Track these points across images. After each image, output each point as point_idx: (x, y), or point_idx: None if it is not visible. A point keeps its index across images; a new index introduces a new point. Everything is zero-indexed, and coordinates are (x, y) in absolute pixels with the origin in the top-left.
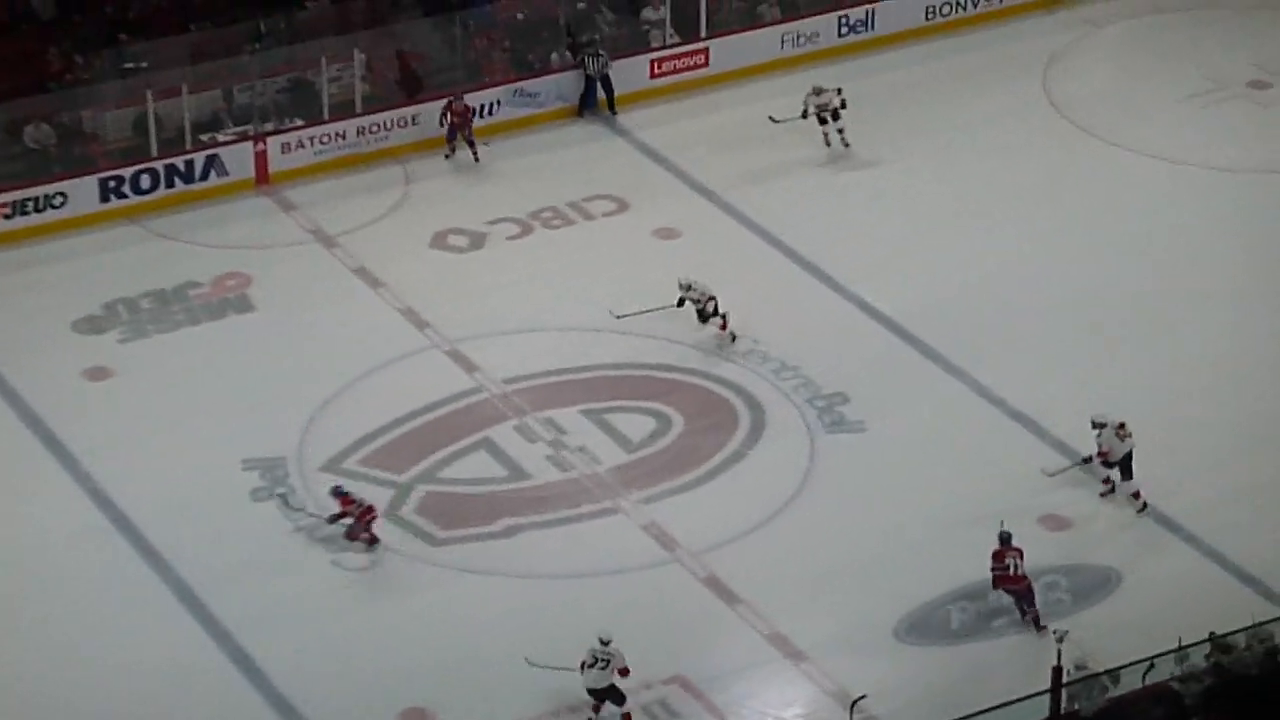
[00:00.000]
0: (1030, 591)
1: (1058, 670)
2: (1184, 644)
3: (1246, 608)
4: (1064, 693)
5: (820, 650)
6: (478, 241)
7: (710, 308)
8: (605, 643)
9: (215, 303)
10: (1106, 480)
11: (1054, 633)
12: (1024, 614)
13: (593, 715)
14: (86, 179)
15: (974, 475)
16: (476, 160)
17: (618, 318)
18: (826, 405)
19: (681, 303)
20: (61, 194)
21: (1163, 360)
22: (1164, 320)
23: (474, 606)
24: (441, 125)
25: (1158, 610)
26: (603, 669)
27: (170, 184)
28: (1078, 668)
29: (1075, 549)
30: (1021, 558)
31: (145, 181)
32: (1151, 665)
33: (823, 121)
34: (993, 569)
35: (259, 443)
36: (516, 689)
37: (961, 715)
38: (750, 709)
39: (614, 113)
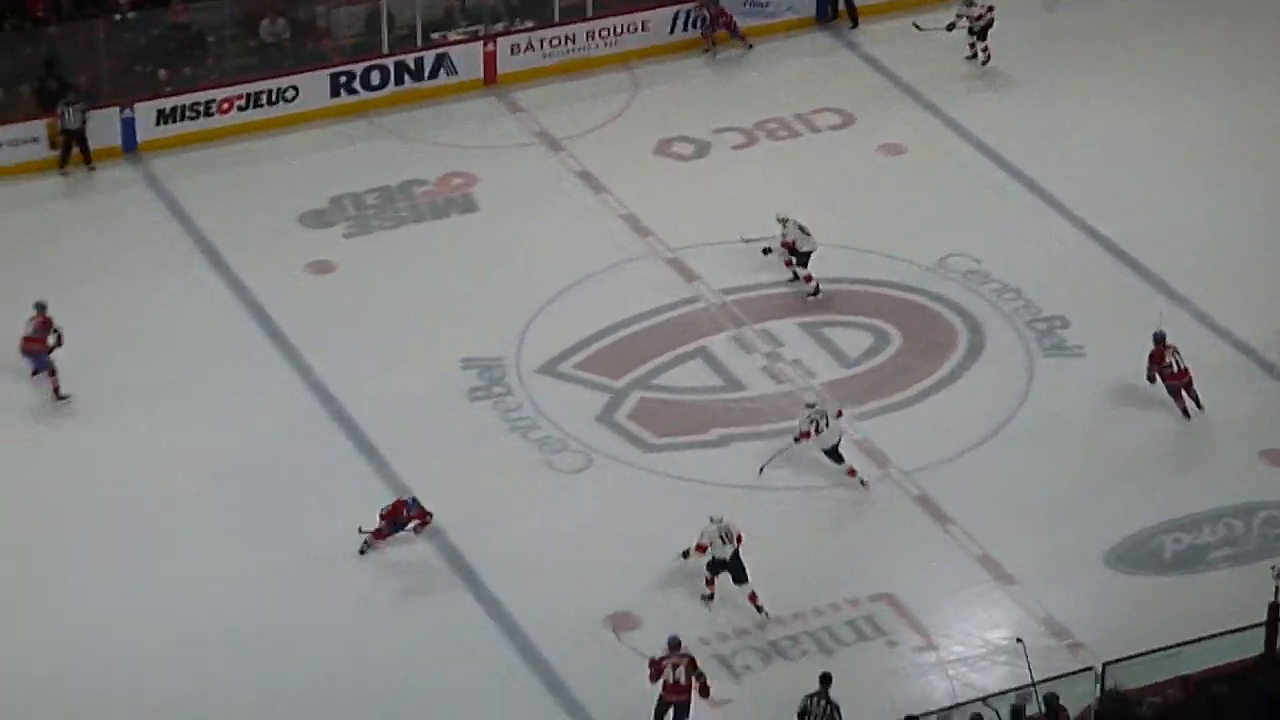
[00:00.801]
0: (1191, 382)
1: (1274, 607)
2: None
3: None
4: None
5: (1029, 575)
6: (702, 150)
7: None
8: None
9: (440, 201)
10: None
11: (1273, 568)
12: (1187, 404)
13: (707, 591)
14: (318, 74)
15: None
16: (749, 47)
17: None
18: (1046, 329)
19: (767, 251)
20: (294, 88)
21: None
22: None
23: (685, 514)
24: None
25: None
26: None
27: (400, 81)
28: None
29: None
30: (1179, 354)
31: (375, 78)
32: None
33: (972, 33)
34: (1153, 369)
35: (478, 343)
36: (721, 599)
37: (1171, 644)
38: (958, 630)
39: (855, 25)
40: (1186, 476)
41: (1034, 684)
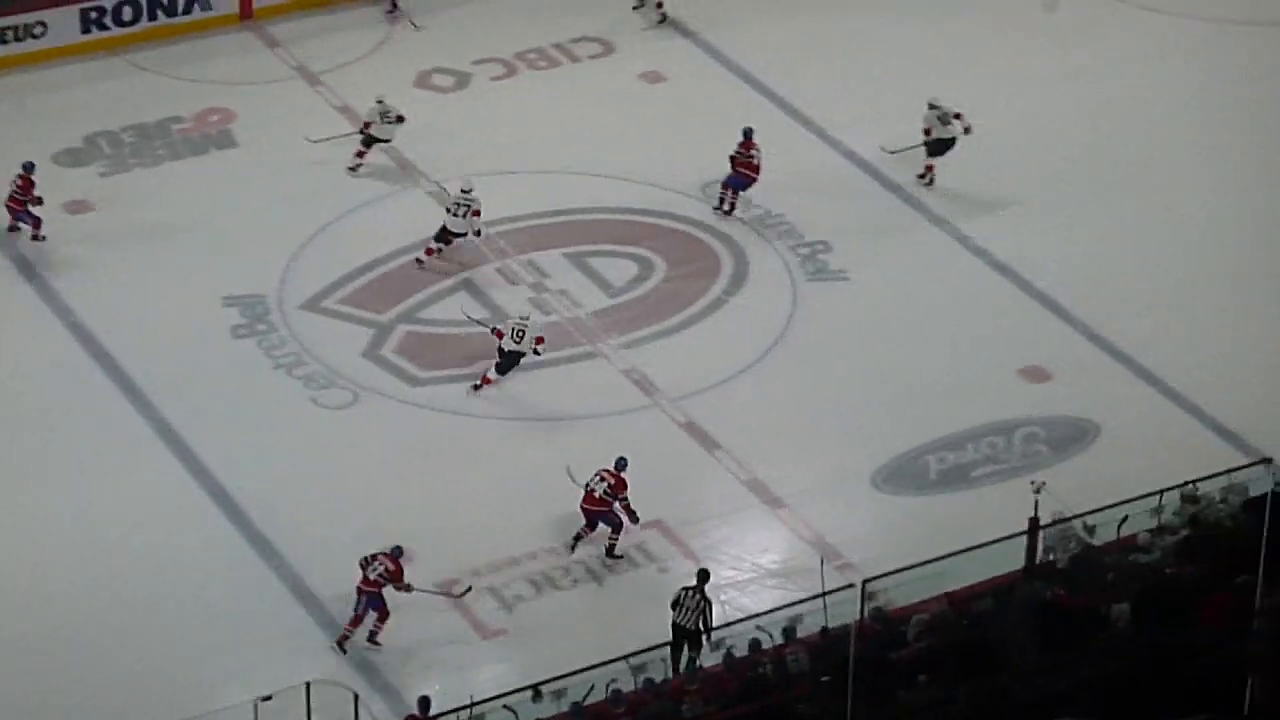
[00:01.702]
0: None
1: (1034, 520)
2: (1159, 492)
3: (1224, 462)
4: (1039, 542)
5: (798, 498)
6: (463, 81)
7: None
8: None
9: (197, 138)
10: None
11: (1032, 483)
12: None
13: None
14: (67, 9)
15: (954, 326)
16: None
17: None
18: (809, 253)
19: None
20: (41, 23)
21: (1149, 216)
22: (1149, 177)
23: (452, 447)
24: None
25: (1135, 463)
26: (518, 341)
27: (153, 16)
28: (1054, 518)
29: (1054, 401)
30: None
31: (127, 13)
32: (1126, 517)
33: None
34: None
35: (240, 280)
36: (494, 528)
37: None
38: (728, 554)
39: None
40: (949, 396)
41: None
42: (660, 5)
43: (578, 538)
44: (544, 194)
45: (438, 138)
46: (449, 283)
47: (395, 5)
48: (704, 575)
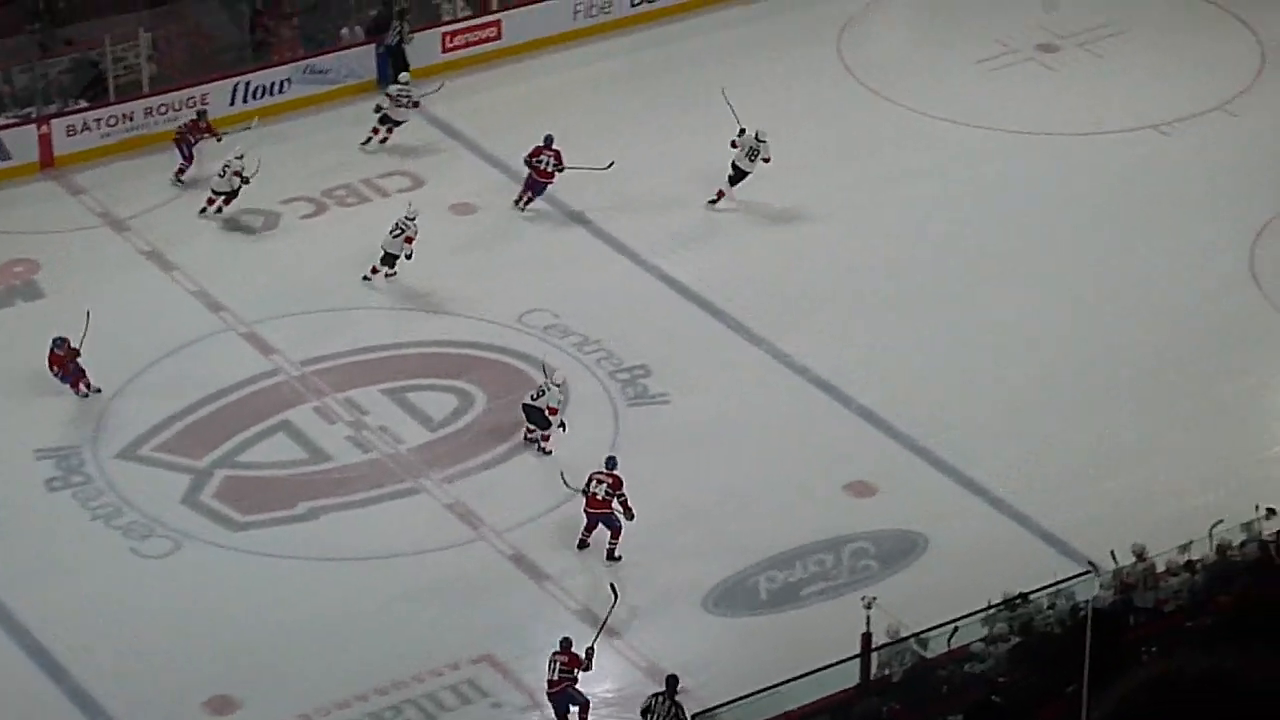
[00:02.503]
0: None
1: (866, 636)
2: (989, 605)
3: (1050, 568)
4: (873, 658)
5: (630, 625)
6: (271, 221)
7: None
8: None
9: (2, 290)
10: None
11: (862, 599)
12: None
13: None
14: None
15: (778, 444)
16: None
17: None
18: (630, 378)
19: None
20: None
21: (962, 323)
22: (960, 283)
23: (277, 591)
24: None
25: (964, 574)
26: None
27: None
28: (888, 633)
29: (881, 515)
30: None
31: None
32: (957, 628)
33: None
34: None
35: (52, 432)
36: (321, 674)
37: (773, 683)
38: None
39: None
40: (776, 515)
41: None
42: (383, 137)
43: (583, 543)
44: (359, 330)
45: (249, 277)
46: (267, 423)
47: (189, 158)
48: (673, 681)
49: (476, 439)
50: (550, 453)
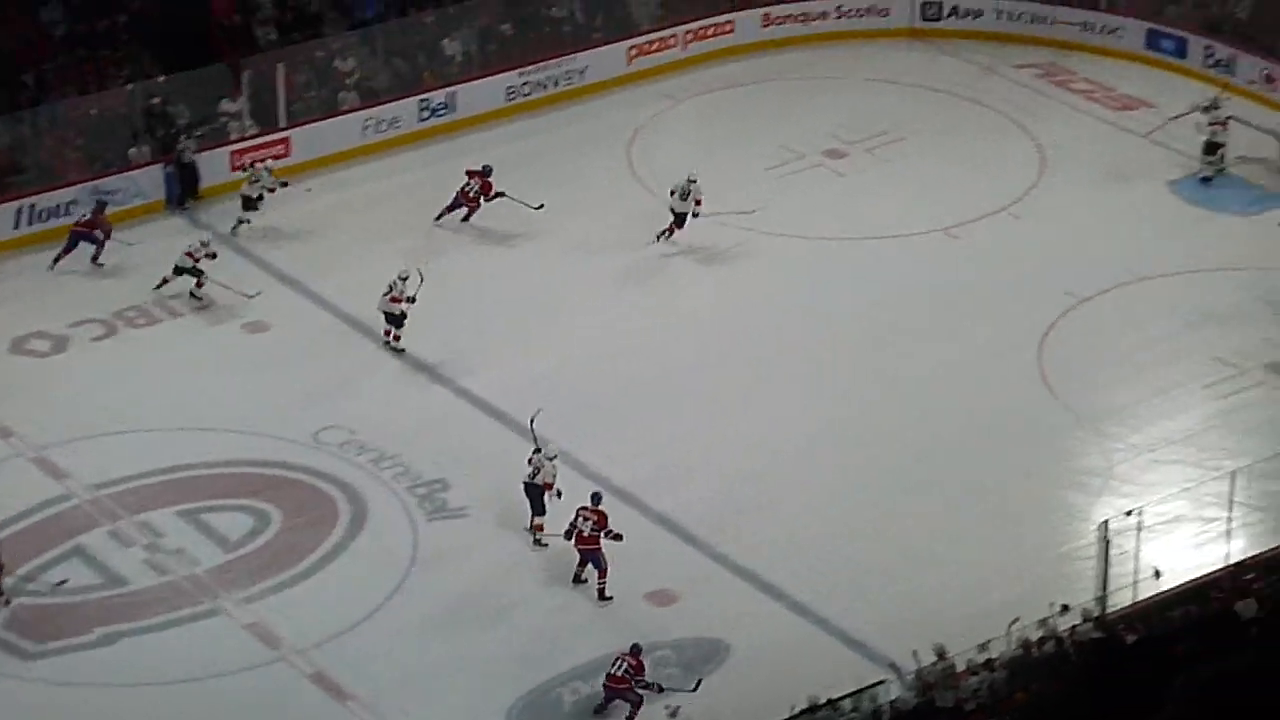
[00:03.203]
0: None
1: None
2: (793, 711)
3: (853, 671)
4: None
5: None
6: (60, 345)
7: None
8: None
9: None
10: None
11: (666, 708)
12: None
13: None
14: None
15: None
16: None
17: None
18: (428, 493)
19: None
20: None
21: (757, 427)
22: (754, 386)
23: (74, 718)
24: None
25: (767, 679)
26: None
27: None
28: None
29: (683, 623)
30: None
31: None
32: None
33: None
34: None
35: None
36: None
37: None
38: None
39: (191, 201)
40: (577, 626)
41: None
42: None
43: (578, 577)
44: (152, 452)
45: (38, 402)
46: (60, 549)
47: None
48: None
49: (275, 558)
50: (546, 545)
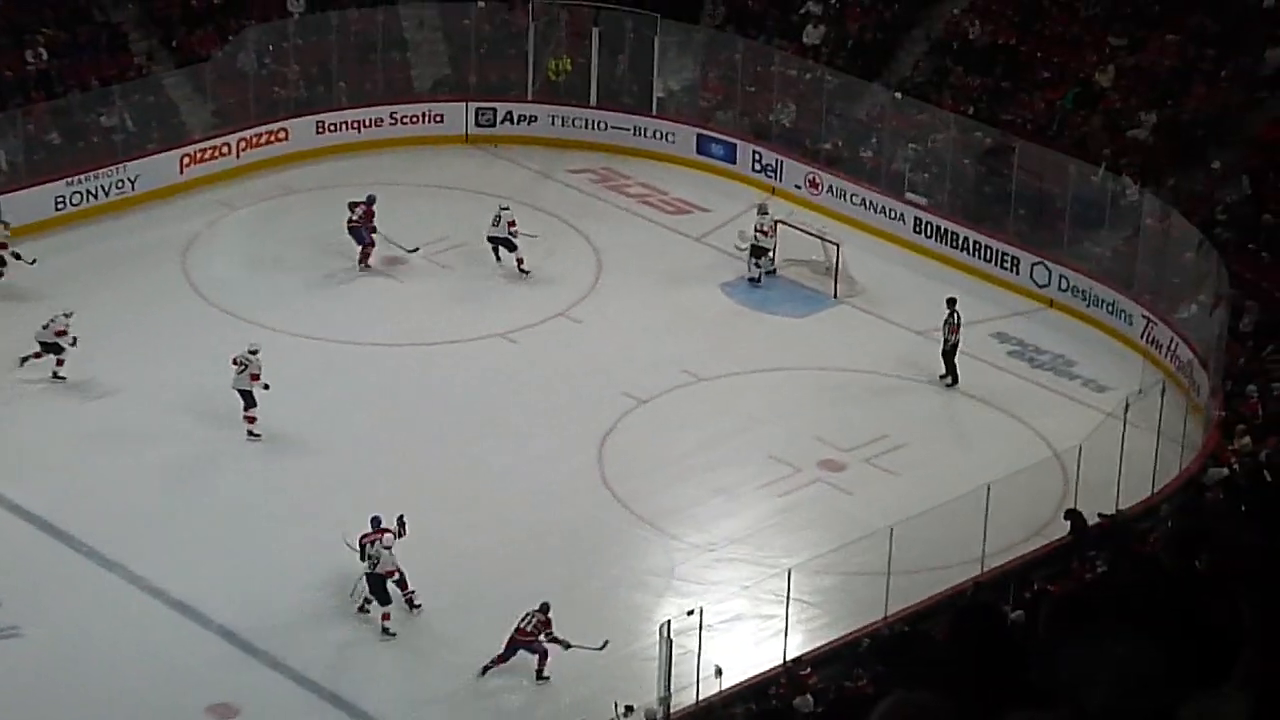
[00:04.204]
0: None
1: None
2: None
3: None
4: None
5: None
6: None
7: None
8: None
9: None
10: None
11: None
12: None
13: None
14: None
15: (135, 671)
16: None
17: None
18: None
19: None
20: None
21: (317, 536)
22: (311, 496)
23: None
24: None
25: None
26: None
27: None
28: None
29: None
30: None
31: None
32: None
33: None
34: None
35: None
36: None
37: None
38: None
39: None
40: None
41: None
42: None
43: (488, 666)
44: None
45: None
46: None
47: None
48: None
49: None
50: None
